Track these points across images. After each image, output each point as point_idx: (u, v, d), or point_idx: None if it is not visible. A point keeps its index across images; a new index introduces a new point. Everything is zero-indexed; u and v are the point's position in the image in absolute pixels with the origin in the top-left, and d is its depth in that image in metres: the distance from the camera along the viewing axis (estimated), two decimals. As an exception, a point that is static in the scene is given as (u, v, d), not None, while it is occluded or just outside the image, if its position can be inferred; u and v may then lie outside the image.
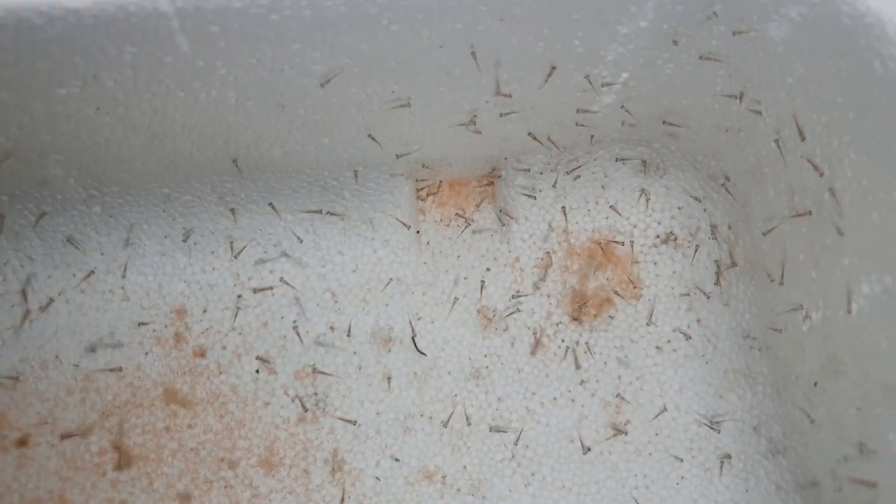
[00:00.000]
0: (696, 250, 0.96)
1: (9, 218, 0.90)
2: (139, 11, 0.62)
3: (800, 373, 0.83)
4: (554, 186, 0.95)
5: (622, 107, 0.87)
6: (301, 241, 0.94)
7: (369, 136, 0.86)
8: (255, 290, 0.94)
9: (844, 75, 0.71)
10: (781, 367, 0.88)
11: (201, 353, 0.93)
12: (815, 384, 0.80)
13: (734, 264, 0.93)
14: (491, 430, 0.91)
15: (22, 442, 0.88)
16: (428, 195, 1.00)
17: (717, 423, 0.91)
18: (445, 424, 0.90)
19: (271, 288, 0.95)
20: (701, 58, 0.78)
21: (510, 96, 0.81)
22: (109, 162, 0.85)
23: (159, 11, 0.62)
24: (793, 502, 0.86)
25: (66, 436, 0.88)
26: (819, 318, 0.79)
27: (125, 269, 0.93)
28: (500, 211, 0.99)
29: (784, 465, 0.87)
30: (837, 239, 0.76)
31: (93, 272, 0.94)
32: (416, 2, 0.64)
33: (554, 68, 0.77)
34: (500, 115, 0.85)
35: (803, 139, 0.77)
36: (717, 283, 0.94)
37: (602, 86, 0.82)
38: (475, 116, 0.84)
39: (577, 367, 0.93)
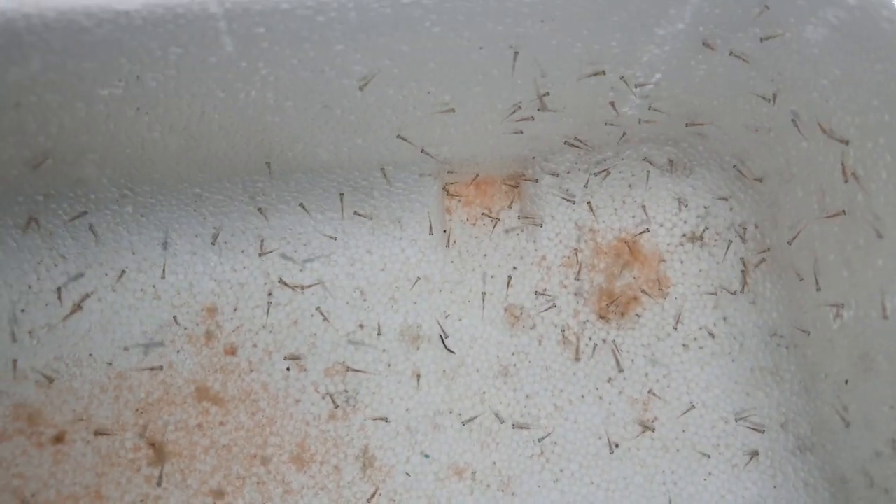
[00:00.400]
0: (725, 249, 0.97)
1: (43, 217, 0.90)
2: (187, 13, 0.63)
3: (829, 371, 0.84)
4: (585, 186, 0.96)
5: (650, 108, 0.88)
6: (334, 239, 0.94)
7: (399, 136, 0.87)
8: (286, 285, 0.94)
9: (881, 78, 0.71)
10: (810, 366, 0.89)
11: (232, 352, 0.94)
12: (846, 382, 0.81)
13: (762, 262, 0.94)
14: (514, 426, 0.92)
15: (58, 439, 0.89)
16: (455, 195, 1.01)
17: (743, 419, 0.92)
18: (465, 423, 0.91)
19: (301, 287, 0.96)
20: (731, 54, 0.79)
21: (548, 94, 0.81)
22: (144, 162, 0.86)
23: (207, 13, 0.62)
24: (822, 499, 0.88)
25: (100, 433, 0.89)
26: (851, 317, 0.80)
27: (163, 270, 0.93)
28: (525, 211, 1.00)
29: (812, 461, 0.88)
30: (871, 240, 0.76)
31: (125, 271, 0.94)
32: (460, 4, 0.64)
33: (602, 72, 0.78)
34: (532, 117, 0.86)
35: (845, 141, 0.78)
36: (744, 281, 0.95)
37: (635, 86, 0.83)
38: (514, 115, 0.84)
39: (619, 369, 0.93)
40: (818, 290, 0.82)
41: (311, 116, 0.80)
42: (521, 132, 0.86)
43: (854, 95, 0.74)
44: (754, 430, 0.91)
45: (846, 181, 0.79)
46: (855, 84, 0.73)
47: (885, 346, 0.75)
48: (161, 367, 0.92)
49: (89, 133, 0.79)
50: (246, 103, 0.76)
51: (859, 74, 0.72)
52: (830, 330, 0.84)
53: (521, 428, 0.93)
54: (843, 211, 0.80)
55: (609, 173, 0.97)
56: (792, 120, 0.79)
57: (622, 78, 0.78)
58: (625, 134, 0.92)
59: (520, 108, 0.83)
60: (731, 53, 0.78)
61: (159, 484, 0.87)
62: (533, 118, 0.85)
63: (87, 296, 0.93)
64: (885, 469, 0.76)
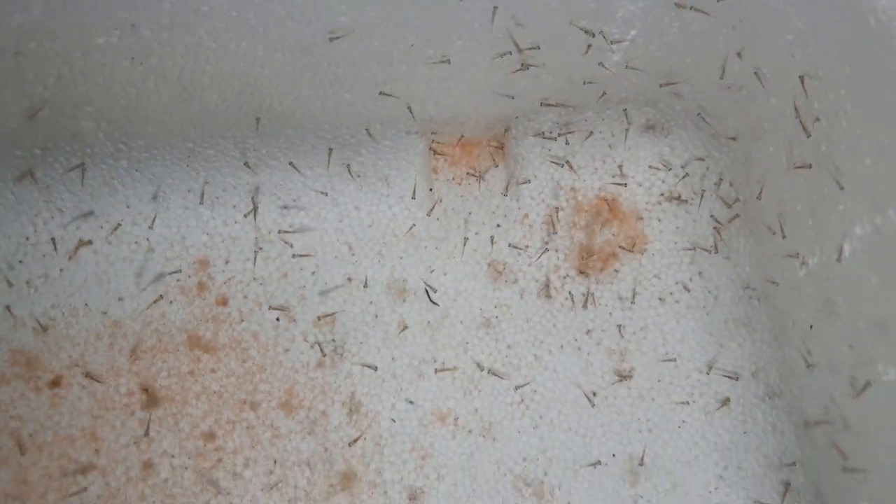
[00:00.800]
0: (698, 207, 1.01)
1: (40, 171, 0.93)
2: (179, -42, 0.66)
3: (796, 318, 0.88)
4: (567, 144, 0.99)
5: (627, 66, 0.92)
6: (324, 195, 0.97)
7: (382, 92, 0.90)
8: (276, 239, 0.97)
9: (841, 30, 0.75)
10: (779, 315, 0.92)
11: (223, 302, 0.97)
12: (811, 327, 0.84)
13: (735, 218, 0.97)
14: (495, 375, 0.95)
15: (55, 383, 0.92)
16: (440, 154, 1.04)
17: (716, 369, 0.95)
18: (438, 371, 0.94)
19: (290, 242, 0.99)
20: (692, 8, 0.82)
21: (537, 48, 0.84)
22: (138, 115, 0.89)
23: (198, -41, 0.65)
24: (787, 441, 0.91)
25: (95, 378, 0.92)
26: (815, 263, 0.83)
27: (152, 222, 0.97)
28: (509, 171, 1.03)
29: (780, 406, 0.92)
30: (833, 189, 0.80)
31: (119, 224, 0.98)
32: (440, -47, 0.68)
33: (592, 33, 0.81)
34: (513, 72, 0.89)
35: (807, 96, 0.81)
36: (719, 238, 0.99)
37: (611, 43, 0.86)
38: (500, 63, 0.87)
39: (585, 307, 0.96)
40: (784, 237, 0.85)
41: (299, 69, 0.83)
42: (505, 91, 0.89)
43: (817, 49, 0.77)
44: (728, 377, 0.94)
45: (809, 136, 0.82)
46: (817, 37, 0.77)
47: (844, 289, 0.79)
48: (148, 316, 0.95)
49: (86, 84, 0.82)
50: (236, 54, 0.80)
51: (821, 28, 0.76)
52: (797, 279, 0.88)
53: (502, 377, 0.97)
54: (810, 165, 0.84)
55: (591, 134, 1.01)
56: (755, 73, 0.83)
57: (601, 33, 0.82)
58: (604, 93, 0.95)
59: (499, 64, 0.86)
60: (692, 8, 0.81)
61: (146, 434, 0.90)
62: (523, 66, 0.87)
63: (83, 246, 0.96)
64: (845, 407, 0.80)
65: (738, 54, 0.87)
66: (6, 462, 0.89)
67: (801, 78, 0.81)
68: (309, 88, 0.87)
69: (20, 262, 0.96)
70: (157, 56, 0.78)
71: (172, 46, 0.77)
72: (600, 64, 0.89)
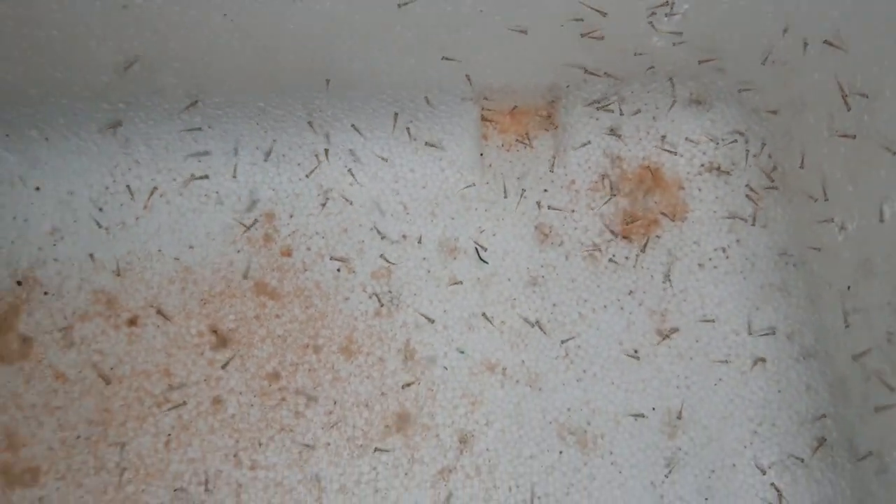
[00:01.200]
0: (737, 178, 1.05)
1: (123, 124, 1.00)
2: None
3: (833, 281, 0.93)
4: (618, 114, 1.04)
5: (675, 42, 0.97)
6: (384, 160, 1.03)
7: (444, 57, 0.96)
8: (337, 196, 1.03)
9: (885, 2, 0.80)
10: (816, 279, 0.97)
11: (288, 253, 1.03)
12: (849, 288, 0.89)
13: (773, 188, 1.02)
14: (536, 325, 1.00)
15: (132, 322, 0.98)
16: (490, 121, 1.10)
17: (753, 333, 1.00)
18: (487, 317, 1.00)
19: (350, 202, 1.05)
20: None
21: (605, 15, 0.89)
22: (218, 73, 0.95)
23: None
24: (821, 399, 0.96)
25: (169, 319, 0.99)
26: (854, 227, 0.88)
27: (224, 176, 1.03)
28: (557, 138, 1.08)
29: (815, 366, 0.96)
30: (875, 154, 0.85)
31: (191, 177, 1.04)
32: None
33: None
34: (580, 36, 0.94)
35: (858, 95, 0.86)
36: (757, 207, 1.03)
37: (665, 16, 0.91)
38: (571, 28, 0.91)
39: (628, 270, 1.01)
40: (826, 200, 0.90)
41: (373, 32, 0.89)
42: (561, 61, 0.94)
43: (862, 23, 0.82)
44: (765, 334, 0.99)
45: (849, 110, 0.87)
46: (863, 12, 0.82)
47: (883, 248, 0.83)
48: (217, 264, 1.01)
49: (177, 39, 0.88)
50: (319, 14, 0.85)
51: (867, 2, 0.81)
52: (836, 244, 0.92)
53: (548, 332, 1.02)
54: (853, 135, 0.88)
55: (638, 107, 1.06)
56: (803, 44, 0.88)
57: (662, 4, 0.87)
58: (652, 66, 1.00)
59: (567, 24, 0.91)
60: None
61: (224, 367, 0.96)
62: (585, 35, 0.92)
63: (157, 197, 1.03)
64: (881, 361, 0.84)
65: (784, 30, 0.92)
66: (89, 392, 0.95)
67: (841, 51, 0.86)
68: (378, 51, 0.93)
69: (100, 209, 1.03)
70: (247, 13, 0.84)
71: (262, 3, 0.83)
72: (653, 34, 0.94)
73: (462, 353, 1.01)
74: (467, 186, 1.05)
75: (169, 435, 0.95)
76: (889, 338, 0.82)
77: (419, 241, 1.05)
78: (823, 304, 0.95)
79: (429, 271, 1.05)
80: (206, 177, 1.03)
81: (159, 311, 0.98)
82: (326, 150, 1.03)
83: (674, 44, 0.96)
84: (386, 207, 1.06)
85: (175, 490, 0.93)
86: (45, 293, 0.99)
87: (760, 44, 0.96)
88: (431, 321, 1.01)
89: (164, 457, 0.94)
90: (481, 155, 1.09)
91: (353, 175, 1.07)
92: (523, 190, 1.07)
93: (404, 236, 1.06)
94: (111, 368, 0.97)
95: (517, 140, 1.10)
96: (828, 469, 0.94)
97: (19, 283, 0.99)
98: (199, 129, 1.01)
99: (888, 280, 0.83)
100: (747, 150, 1.06)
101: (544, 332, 1.02)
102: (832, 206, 0.92)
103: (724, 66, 1.01)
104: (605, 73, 1.00)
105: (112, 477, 0.93)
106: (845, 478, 0.92)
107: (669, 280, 1.04)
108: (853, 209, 0.88)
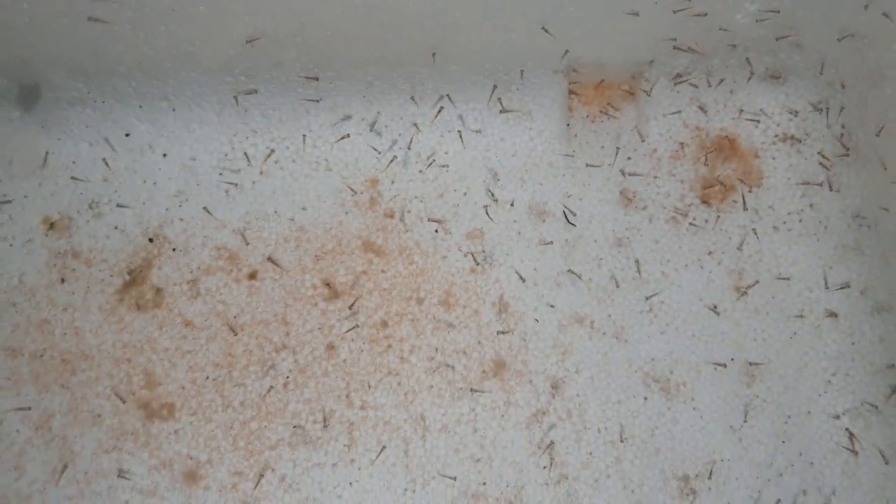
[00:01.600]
0: (811, 147, 1.12)
1: (242, 96, 1.09)
2: None
3: (907, 238, 0.99)
4: (695, 87, 1.11)
5: (757, 21, 1.03)
6: (478, 132, 1.11)
7: (544, 28, 1.03)
8: (433, 163, 1.12)
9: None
10: (889, 238, 1.03)
11: (391, 215, 1.12)
12: (923, 243, 0.95)
13: (846, 155, 1.08)
14: (626, 288, 1.07)
15: (252, 276, 1.08)
16: (575, 94, 1.17)
17: (829, 287, 1.06)
18: (570, 272, 1.08)
19: (447, 168, 1.13)
20: None
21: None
22: (335, 48, 1.04)
23: None
24: (894, 350, 1.02)
25: (286, 272, 1.08)
26: (930, 186, 0.94)
27: (331, 145, 1.12)
28: (640, 110, 1.15)
29: (889, 319, 1.03)
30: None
31: (304, 143, 1.13)
32: None
33: None
34: (675, 12, 1.01)
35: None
36: (829, 173, 1.10)
37: (751, -9, 0.98)
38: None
39: (709, 231, 1.08)
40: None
41: (482, 6, 0.97)
42: (653, 35, 1.01)
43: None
44: (839, 288, 1.05)
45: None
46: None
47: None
48: (328, 224, 1.10)
49: (303, 14, 0.97)
50: (435, -9, 0.94)
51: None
52: (910, 204, 0.99)
53: (633, 289, 1.09)
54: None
55: (721, 81, 1.13)
56: (884, 14, 0.94)
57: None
58: (734, 45, 1.07)
59: (653, 9, 0.98)
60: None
61: (351, 308, 1.05)
62: (692, 10, 0.98)
63: (272, 163, 1.12)
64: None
65: (866, 6, 0.98)
66: (215, 338, 1.05)
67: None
68: (485, 26, 1.01)
69: (220, 174, 1.12)
70: (372, -10, 0.92)
71: (385, -18, 0.92)
72: (738, 11, 1.00)
73: (552, 307, 1.09)
74: (566, 155, 1.12)
75: (287, 378, 1.05)
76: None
77: (511, 205, 1.13)
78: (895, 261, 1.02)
79: (519, 233, 1.12)
80: (314, 146, 1.13)
81: (283, 271, 1.07)
82: (426, 121, 1.12)
83: (757, 20, 1.03)
84: (478, 174, 1.15)
85: (294, 427, 1.03)
86: (174, 249, 1.09)
87: (839, 18, 1.02)
88: (523, 279, 1.09)
89: (283, 397, 1.04)
90: (568, 125, 1.17)
91: (447, 144, 1.15)
92: (612, 156, 1.15)
93: (496, 200, 1.14)
94: (234, 317, 1.06)
95: (600, 111, 1.17)
96: (901, 414, 1.01)
97: (151, 240, 1.09)
98: (314, 101, 1.11)
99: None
100: (826, 120, 1.12)
101: (630, 289, 1.09)
102: (908, 168, 0.98)
103: (802, 41, 1.07)
104: (689, 49, 1.07)
105: (238, 414, 1.03)
106: (919, 421, 0.98)
107: (746, 242, 1.11)
108: (930, 170, 0.94)
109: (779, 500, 1.01)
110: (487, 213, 1.12)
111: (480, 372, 1.06)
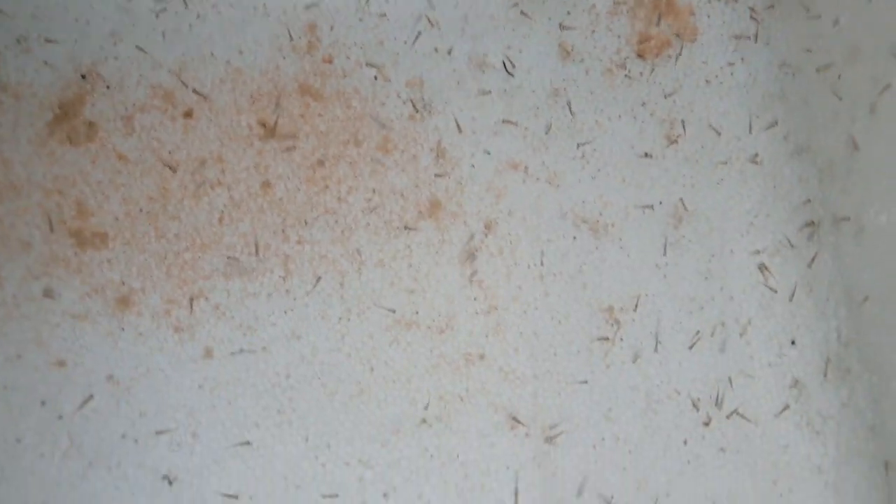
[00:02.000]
0: (743, 3, 1.14)
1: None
2: None
3: (821, 66, 1.03)
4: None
5: None
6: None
7: None
8: (375, 12, 1.12)
9: None
10: (808, 80, 1.07)
11: (329, 60, 1.12)
12: (839, 77, 0.99)
13: (772, 7, 1.12)
14: (559, 135, 1.09)
15: (187, 114, 1.07)
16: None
17: (752, 134, 1.10)
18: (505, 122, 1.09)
19: (386, 17, 1.13)
20: None
21: None
22: None
23: None
24: (812, 188, 1.06)
25: (220, 111, 1.07)
26: (845, 19, 0.98)
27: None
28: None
29: (807, 159, 1.07)
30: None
31: (240, -10, 1.12)
32: None
33: None
34: None
35: None
36: (759, 25, 1.13)
37: None
38: None
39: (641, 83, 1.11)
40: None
41: None
42: None
43: None
44: (765, 129, 1.09)
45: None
46: None
47: (870, 32, 0.93)
48: (266, 65, 1.10)
49: None
50: None
51: None
52: (828, 36, 1.02)
53: (566, 137, 1.11)
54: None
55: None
56: None
57: None
58: None
59: None
60: None
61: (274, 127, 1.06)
62: None
63: (209, 7, 1.11)
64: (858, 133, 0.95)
65: None
66: (149, 173, 1.05)
67: None
68: None
69: (156, 16, 1.11)
70: None
71: None
72: None
73: (488, 153, 1.11)
74: (512, 7, 1.12)
75: (222, 212, 1.05)
76: (871, 108, 0.92)
77: (449, 53, 1.14)
78: (816, 97, 1.05)
79: (458, 82, 1.13)
80: (254, -12, 1.12)
81: (217, 112, 1.06)
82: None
83: None
84: (419, 24, 1.15)
85: (228, 258, 1.03)
86: (107, 87, 1.07)
87: None
88: (460, 129, 1.11)
89: (217, 230, 1.04)
90: (507, -19, 1.17)
91: (388, -6, 1.15)
92: (548, 13, 1.16)
93: (436, 49, 1.14)
94: (169, 153, 1.06)
95: (541, -32, 1.18)
96: (812, 245, 1.05)
97: (83, 76, 1.07)
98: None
99: (872, 60, 0.93)
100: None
101: (563, 137, 1.11)
102: (823, 4, 1.01)
103: None
104: None
105: (171, 245, 1.03)
106: (827, 249, 1.03)
107: (679, 93, 1.13)
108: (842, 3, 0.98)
109: (698, 331, 1.06)
110: (425, 63, 1.12)
111: (417, 212, 1.08)
